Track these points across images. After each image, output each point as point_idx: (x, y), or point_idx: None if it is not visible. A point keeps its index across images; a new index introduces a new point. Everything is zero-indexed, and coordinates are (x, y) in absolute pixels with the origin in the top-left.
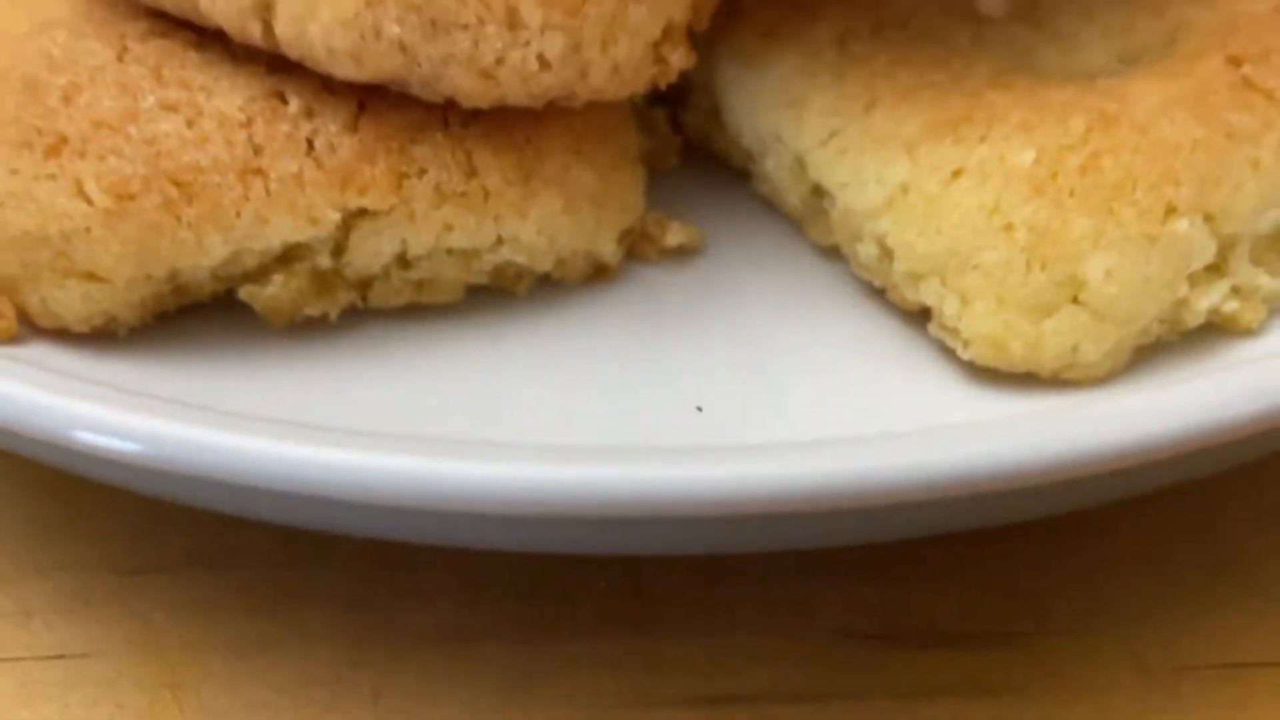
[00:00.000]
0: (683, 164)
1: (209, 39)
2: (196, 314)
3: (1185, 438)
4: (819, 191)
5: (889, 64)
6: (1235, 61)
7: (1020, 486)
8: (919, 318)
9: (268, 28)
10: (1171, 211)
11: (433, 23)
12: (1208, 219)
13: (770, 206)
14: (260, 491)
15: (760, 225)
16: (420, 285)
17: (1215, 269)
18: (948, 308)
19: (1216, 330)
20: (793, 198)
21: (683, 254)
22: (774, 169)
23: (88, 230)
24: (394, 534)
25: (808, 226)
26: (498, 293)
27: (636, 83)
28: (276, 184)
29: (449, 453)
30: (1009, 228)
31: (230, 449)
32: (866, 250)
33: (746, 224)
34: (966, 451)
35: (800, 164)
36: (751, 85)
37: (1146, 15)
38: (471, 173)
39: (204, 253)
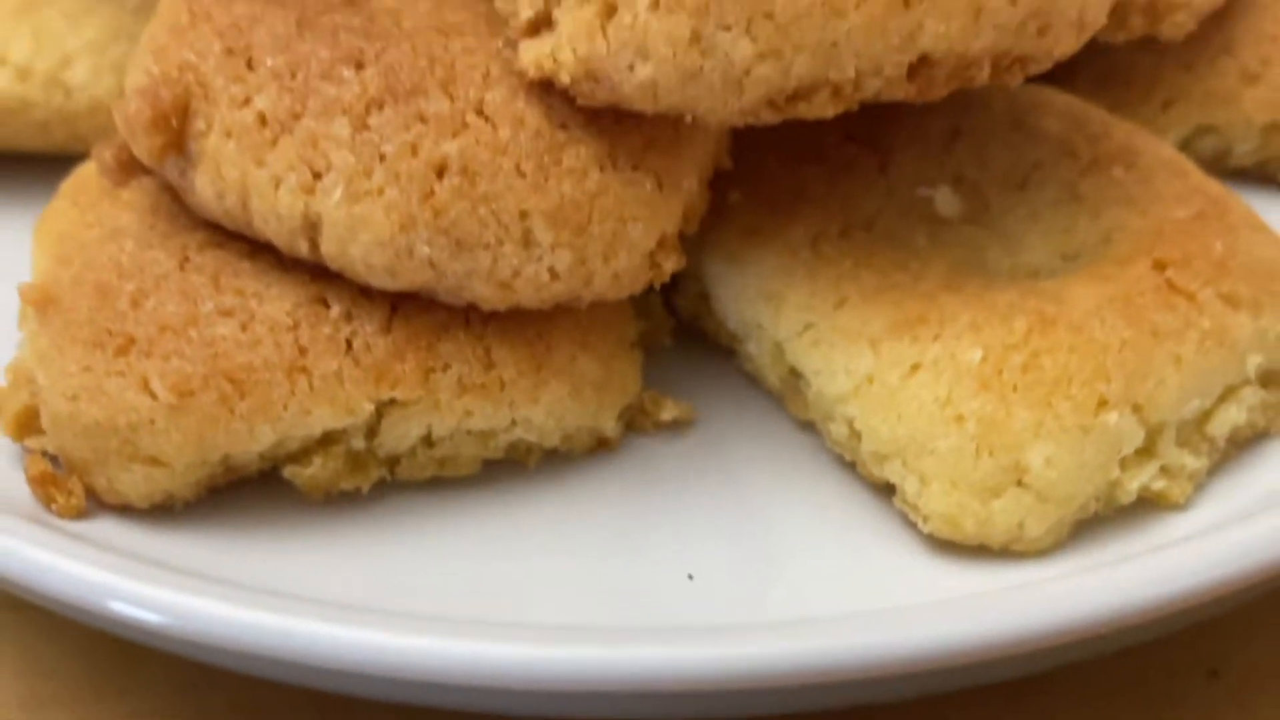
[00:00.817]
0: (676, 341)
1: (260, 249)
2: (243, 487)
3: (1120, 616)
4: (796, 374)
5: (855, 266)
6: (1160, 266)
7: (973, 662)
8: (887, 490)
9: (314, 245)
10: (1103, 404)
11: (458, 243)
12: (1136, 410)
13: (755, 382)
14: (273, 661)
15: (746, 398)
16: (442, 461)
17: (1145, 452)
18: (909, 487)
19: (1149, 504)
20: (773, 377)
21: (677, 426)
22: (756, 352)
23: (152, 422)
24: (400, 699)
25: (787, 403)
26: (510, 464)
27: (634, 286)
28: (319, 380)
29: (456, 633)
30: (960, 418)
31: (243, 623)
32: (838, 430)
33: (734, 397)
34: (921, 633)
35: (779, 350)
36: (735, 279)
37: (1084, 218)
38: (489, 365)
39: (254, 440)
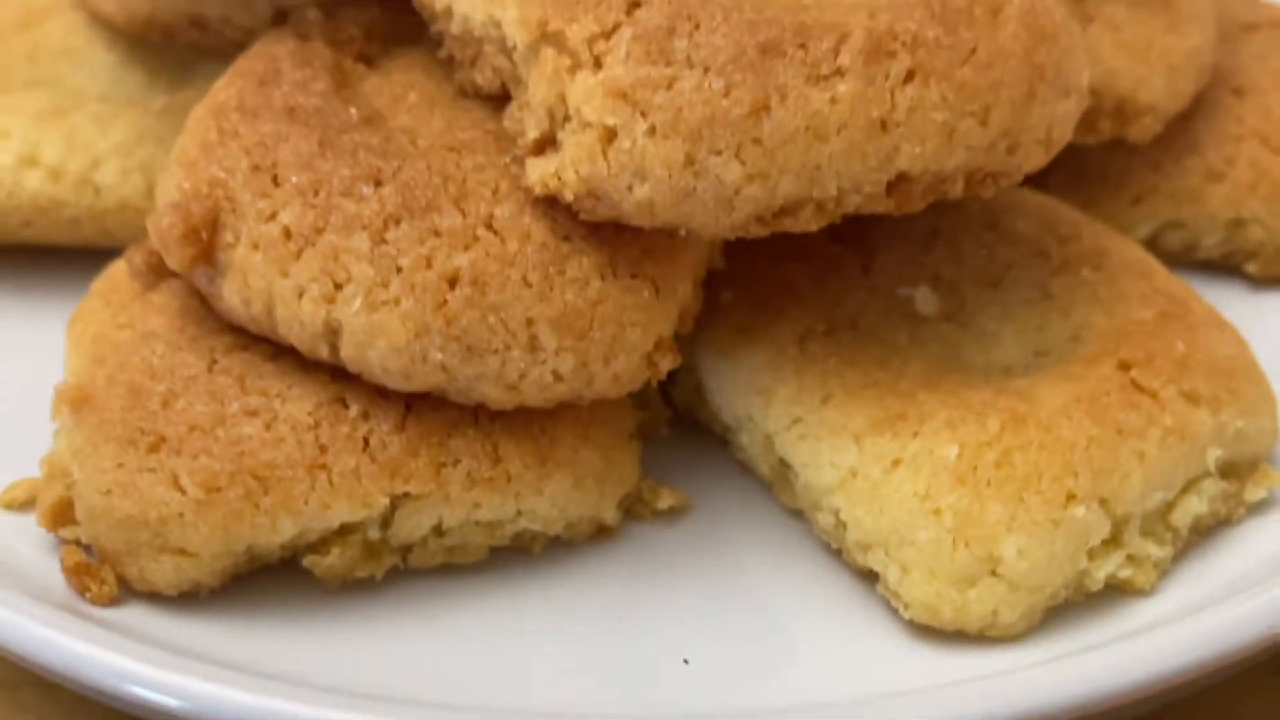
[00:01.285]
0: (672, 430)
1: (283, 351)
2: (265, 574)
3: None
4: (785, 465)
5: (840, 363)
6: (1125, 366)
7: None
8: (871, 576)
9: (334, 350)
10: (1071, 499)
11: (469, 349)
12: (1102, 503)
13: (748, 470)
14: None
15: (740, 486)
16: (452, 550)
17: (1111, 542)
18: (891, 575)
19: (1117, 591)
20: (763, 467)
21: (673, 513)
22: (748, 443)
23: (181, 516)
24: None
25: (777, 491)
26: (516, 551)
27: (633, 385)
28: (338, 477)
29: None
30: (938, 512)
31: (256, 709)
32: (825, 519)
33: (728, 484)
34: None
35: (769, 442)
36: (728, 374)
37: (1055, 316)
38: (497, 460)
39: (277, 533)
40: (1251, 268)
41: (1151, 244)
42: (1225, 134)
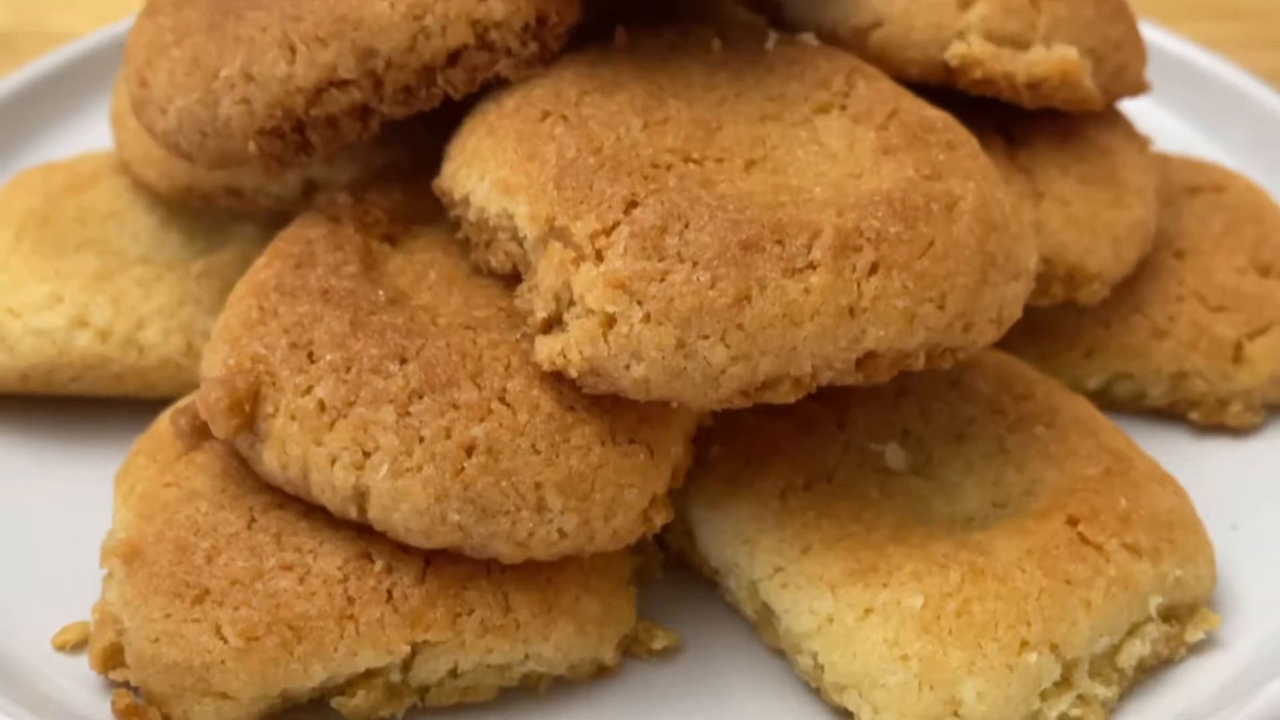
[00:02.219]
0: (666, 572)
1: (315, 510)
2: (296, 713)
3: None
4: (768, 609)
5: (817, 516)
6: (1073, 521)
7: None
8: (847, 715)
9: (362, 511)
10: (1024, 645)
11: (483, 510)
12: (1053, 649)
13: (735, 612)
14: None
15: (729, 625)
16: (465, 690)
17: (1063, 684)
18: (864, 715)
19: None
20: (749, 610)
21: (667, 653)
22: (735, 587)
23: (223, 663)
24: None
25: (761, 632)
26: (523, 690)
27: (630, 539)
28: (364, 626)
29: None
30: (905, 657)
31: None
32: (804, 661)
33: (718, 624)
34: None
35: (754, 587)
36: (716, 524)
37: (1011, 470)
38: (507, 609)
39: (309, 678)
40: (1195, 416)
41: (1103, 393)
42: (1168, 294)
